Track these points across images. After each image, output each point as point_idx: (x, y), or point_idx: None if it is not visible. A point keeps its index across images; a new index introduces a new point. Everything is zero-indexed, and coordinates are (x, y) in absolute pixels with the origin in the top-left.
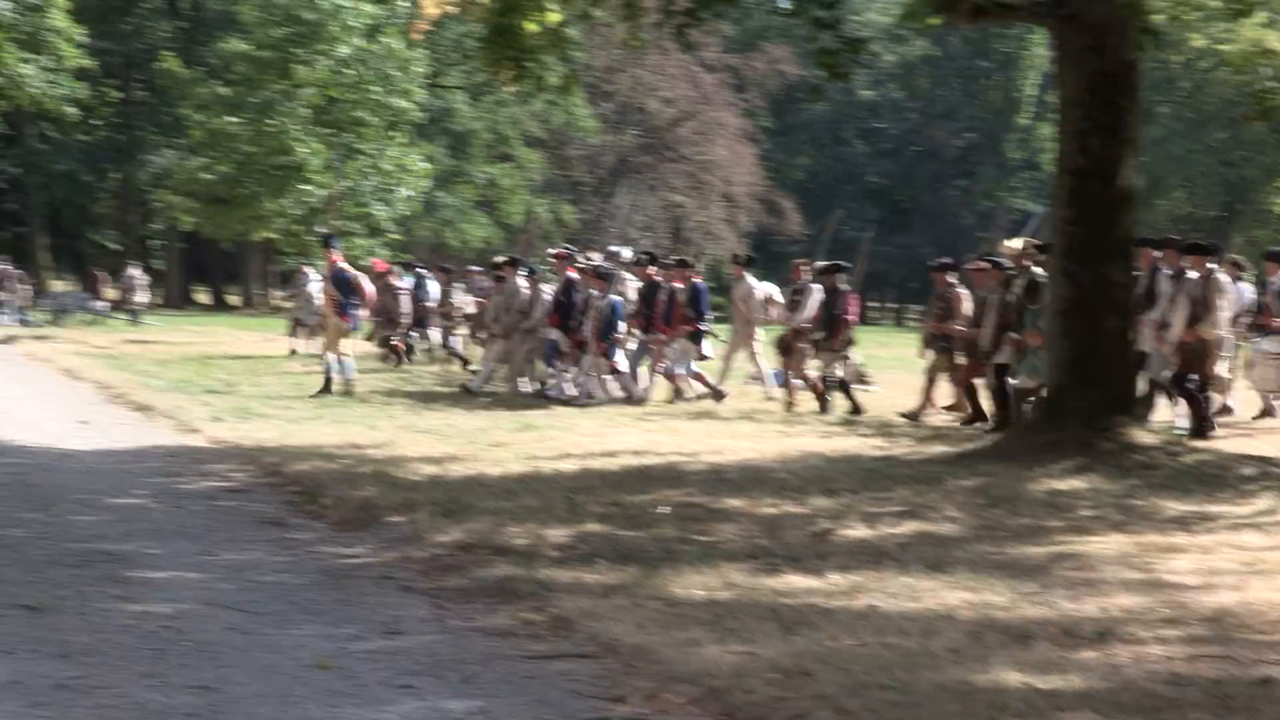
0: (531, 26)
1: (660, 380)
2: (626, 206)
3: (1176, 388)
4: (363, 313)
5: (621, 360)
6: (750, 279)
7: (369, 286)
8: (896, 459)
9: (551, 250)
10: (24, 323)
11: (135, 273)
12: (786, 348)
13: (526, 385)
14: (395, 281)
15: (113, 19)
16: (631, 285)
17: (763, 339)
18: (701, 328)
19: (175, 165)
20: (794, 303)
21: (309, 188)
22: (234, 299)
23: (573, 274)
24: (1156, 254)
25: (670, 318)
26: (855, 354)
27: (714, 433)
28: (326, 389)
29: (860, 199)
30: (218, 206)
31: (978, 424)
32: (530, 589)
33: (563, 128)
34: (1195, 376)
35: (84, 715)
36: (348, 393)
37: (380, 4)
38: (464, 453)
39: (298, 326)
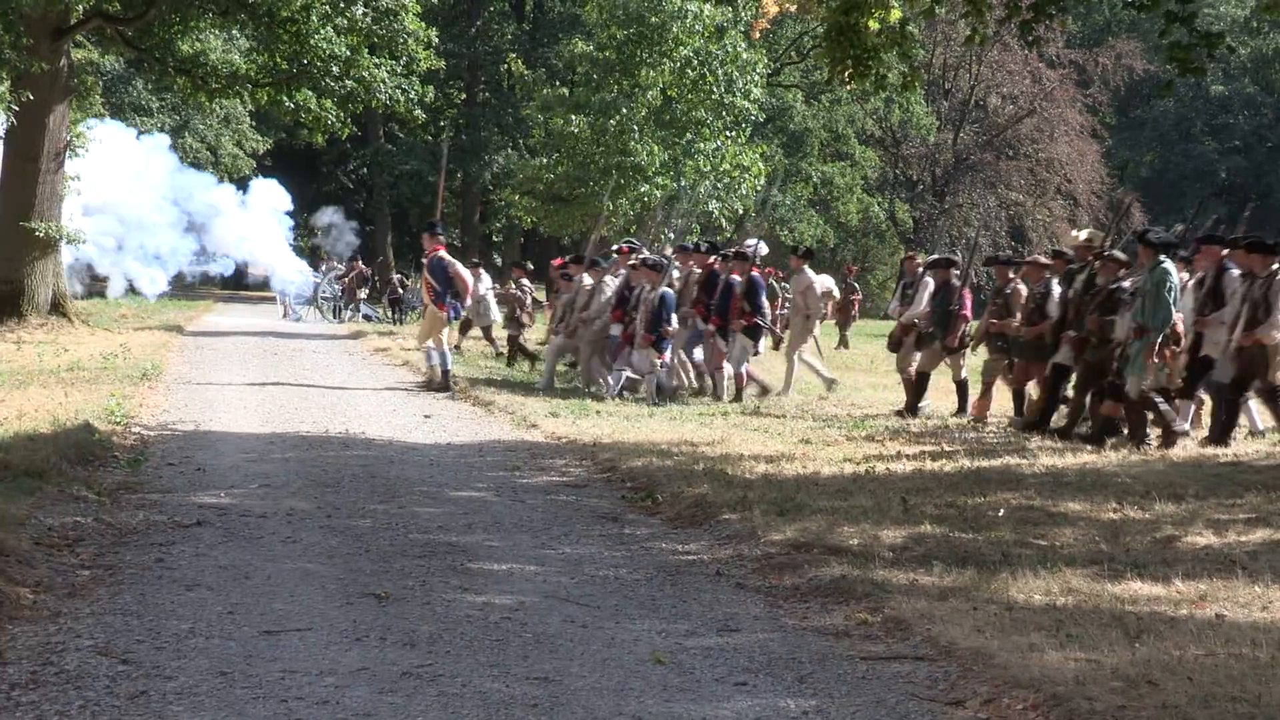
0: (873, 25)
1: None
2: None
3: (1231, 393)
4: (467, 302)
5: (669, 354)
6: (809, 272)
7: (467, 277)
8: (1246, 464)
9: (618, 245)
10: (368, 318)
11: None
12: (896, 344)
13: (604, 379)
14: (523, 280)
15: (459, 23)
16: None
17: (818, 334)
18: (758, 322)
19: (517, 164)
20: (906, 297)
21: (646, 187)
22: None
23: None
24: (1225, 251)
25: (725, 310)
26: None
27: (1050, 435)
28: (445, 382)
29: (1209, 197)
30: (558, 205)
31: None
32: (865, 589)
33: (899, 126)
34: (1258, 383)
35: (429, 703)
36: (444, 386)
37: (723, 4)
38: (797, 452)
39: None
